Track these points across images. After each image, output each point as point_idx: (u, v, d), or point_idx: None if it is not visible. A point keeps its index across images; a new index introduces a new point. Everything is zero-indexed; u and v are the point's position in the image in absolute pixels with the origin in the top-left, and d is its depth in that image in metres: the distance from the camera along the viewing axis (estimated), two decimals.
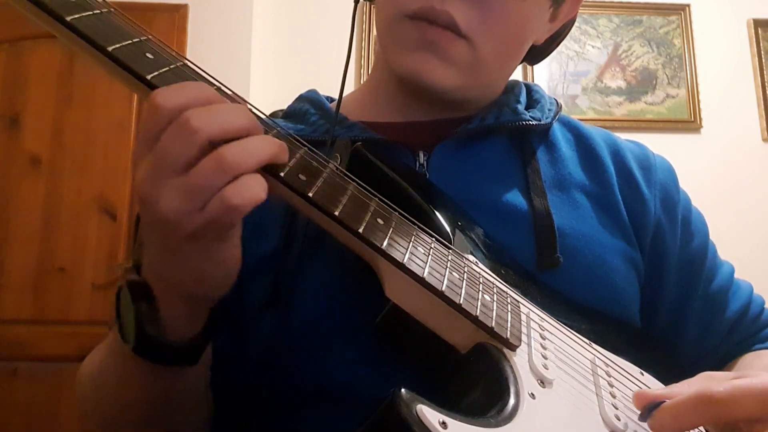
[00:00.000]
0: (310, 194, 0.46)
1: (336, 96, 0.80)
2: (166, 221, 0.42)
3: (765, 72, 2.98)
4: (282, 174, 0.45)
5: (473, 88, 0.70)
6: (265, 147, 0.44)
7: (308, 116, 0.73)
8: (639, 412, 0.53)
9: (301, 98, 0.78)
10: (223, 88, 0.49)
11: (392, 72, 0.70)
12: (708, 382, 0.50)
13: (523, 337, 0.51)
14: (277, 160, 0.45)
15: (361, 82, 2.72)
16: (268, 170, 0.45)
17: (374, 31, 2.72)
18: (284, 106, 0.79)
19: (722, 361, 0.75)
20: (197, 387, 0.58)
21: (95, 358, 0.63)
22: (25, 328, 2.40)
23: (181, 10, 2.63)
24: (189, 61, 0.49)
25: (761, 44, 3.01)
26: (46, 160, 2.51)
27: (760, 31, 3.03)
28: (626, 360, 0.61)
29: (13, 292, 2.41)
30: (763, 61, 2.99)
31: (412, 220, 0.53)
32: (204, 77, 0.49)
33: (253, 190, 0.42)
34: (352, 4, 0.75)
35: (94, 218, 2.48)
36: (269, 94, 2.61)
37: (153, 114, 0.42)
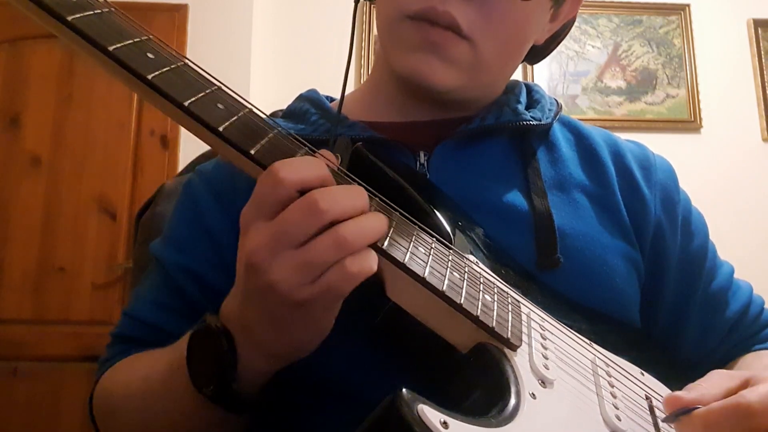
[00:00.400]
0: (383, 245, 0.46)
1: (336, 96, 0.80)
2: (276, 290, 0.44)
3: (765, 72, 2.99)
4: (382, 246, 0.47)
5: (474, 88, 0.70)
6: (377, 226, 0.46)
7: (308, 116, 0.73)
8: (639, 412, 0.53)
9: (301, 98, 0.78)
10: (223, 87, 0.49)
11: (393, 72, 0.70)
12: (727, 383, 0.50)
13: (524, 337, 0.51)
14: (383, 235, 0.47)
15: (361, 82, 2.72)
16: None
17: (374, 31, 2.73)
18: (284, 106, 0.79)
19: (722, 361, 0.75)
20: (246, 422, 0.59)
21: (132, 381, 0.62)
22: (25, 328, 2.40)
23: (181, 10, 2.63)
24: (189, 60, 0.49)
25: (761, 44, 3.02)
26: (46, 160, 2.51)
27: (760, 31, 3.03)
28: (626, 360, 0.61)
29: (13, 292, 2.42)
30: (763, 61, 3.00)
31: (413, 220, 0.53)
32: (204, 76, 0.49)
33: (369, 262, 0.45)
34: (353, 4, 0.75)
35: (94, 218, 2.48)
36: (269, 94, 2.61)
37: (275, 186, 0.44)
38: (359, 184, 0.51)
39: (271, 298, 0.45)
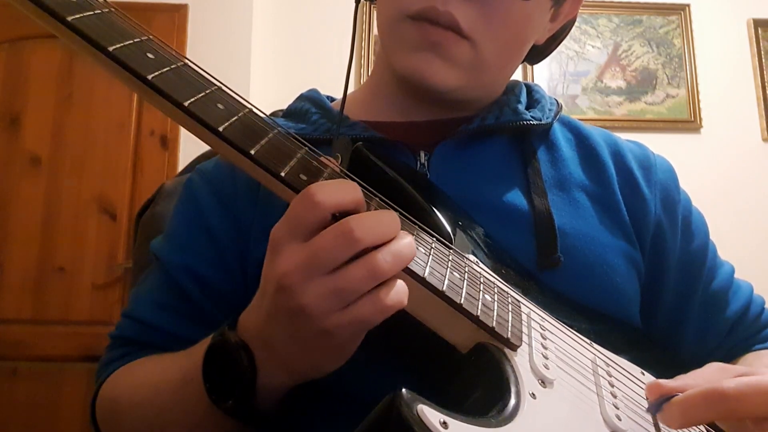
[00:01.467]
0: (417, 272, 0.46)
1: (336, 96, 0.80)
2: (306, 314, 0.44)
3: (765, 72, 2.99)
4: (420, 274, 0.47)
5: (475, 88, 0.70)
6: (409, 252, 0.46)
7: (309, 115, 0.73)
8: (640, 412, 0.53)
9: (301, 97, 0.78)
10: (223, 87, 0.49)
11: (394, 72, 0.70)
12: (719, 374, 0.50)
13: (524, 337, 0.51)
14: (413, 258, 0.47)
15: (362, 82, 2.72)
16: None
17: (374, 31, 2.73)
18: (284, 106, 0.79)
19: (722, 361, 0.74)
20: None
21: (140, 388, 0.62)
22: (25, 328, 2.40)
23: (181, 10, 2.63)
24: (189, 60, 0.49)
25: (761, 44, 3.02)
26: (46, 160, 2.51)
27: (760, 31, 3.03)
28: (627, 360, 0.61)
29: (13, 292, 2.42)
30: (763, 61, 3.00)
31: (413, 219, 0.53)
32: (204, 76, 0.49)
33: (401, 295, 0.45)
34: (353, 5, 0.75)
35: (94, 218, 2.48)
36: (269, 94, 2.61)
37: (311, 209, 0.44)
38: (359, 183, 0.51)
39: (299, 322, 0.45)
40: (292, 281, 0.44)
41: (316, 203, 0.44)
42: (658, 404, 0.48)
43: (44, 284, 2.43)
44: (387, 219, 0.46)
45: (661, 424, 0.54)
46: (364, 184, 0.51)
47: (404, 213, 0.52)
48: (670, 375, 0.62)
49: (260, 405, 0.51)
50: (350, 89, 0.73)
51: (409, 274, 0.47)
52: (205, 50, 2.54)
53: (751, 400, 0.45)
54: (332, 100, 0.79)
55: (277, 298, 0.45)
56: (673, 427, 0.47)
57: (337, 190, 0.45)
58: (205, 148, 1.08)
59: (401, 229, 0.47)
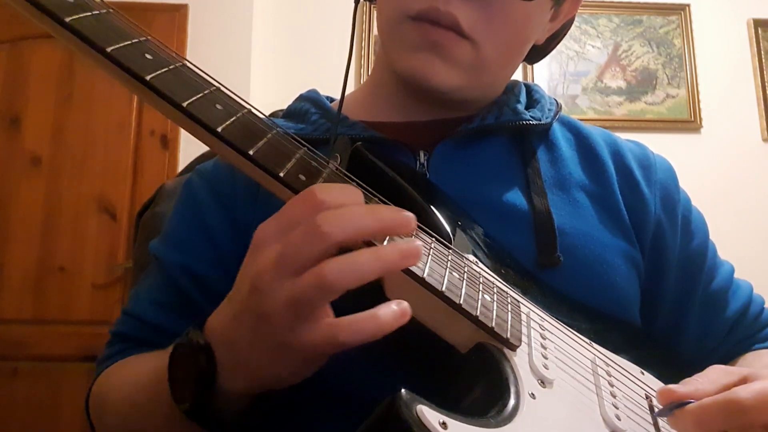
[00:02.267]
0: (419, 274, 0.46)
1: (336, 95, 0.80)
2: (267, 319, 0.42)
3: (765, 72, 2.99)
4: (419, 275, 0.45)
5: (475, 88, 0.70)
6: (372, 266, 0.41)
7: (309, 115, 0.73)
8: (639, 412, 0.53)
9: (301, 98, 0.78)
10: (222, 88, 0.49)
11: (394, 72, 0.70)
12: (724, 378, 0.50)
13: (524, 337, 0.51)
14: (395, 269, 0.43)
15: (361, 82, 2.72)
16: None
17: (374, 32, 2.73)
18: (284, 107, 0.79)
19: (722, 360, 0.74)
20: None
21: (123, 384, 0.61)
22: (25, 328, 2.41)
23: (181, 10, 2.64)
24: (188, 61, 0.49)
25: (761, 44, 3.02)
26: (46, 160, 2.51)
27: (760, 31, 3.03)
28: (626, 359, 0.61)
29: (13, 292, 2.42)
30: (763, 61, 3.00)
31: None
32: (203, 77, 0.49)
33: (363, 324, 0.42)
34: (353, 5, 0.75)
35: (94, 218, 2.49)
36: (269, 94, 2.61)
37: (303, 206, 0.42)
38: (358, 184, 0.51)
39: (264, 329, 0.43)
40: (263, 281, 0.42)
41: (318, 202, 0.42)
42: (669, 409, 0.48)
43: (44, 284, 2.43)
44: (359, 214, 0.43)
45: (661, 425, 0.54)
46: (363, 184, 0.51)
47: None
48: (670, 374, 0.62)
49: (221, 410, 0.49)
50: (350, 89, 0.73)
51: (408, 274, 0.47)
52: (205, 50, 2.54)
53: (766, 408, 0.45)
54: (332, 100, 0.79)
55: (249, 299, 0.43)
56: None
57: (341, 191, 0.44)
58: (205, 148, 1.08)
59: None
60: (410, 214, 0.44)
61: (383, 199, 0.52)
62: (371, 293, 0.50)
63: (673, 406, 0.48)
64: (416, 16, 0.64)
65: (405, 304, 0.43)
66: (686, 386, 0.50)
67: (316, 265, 0.40)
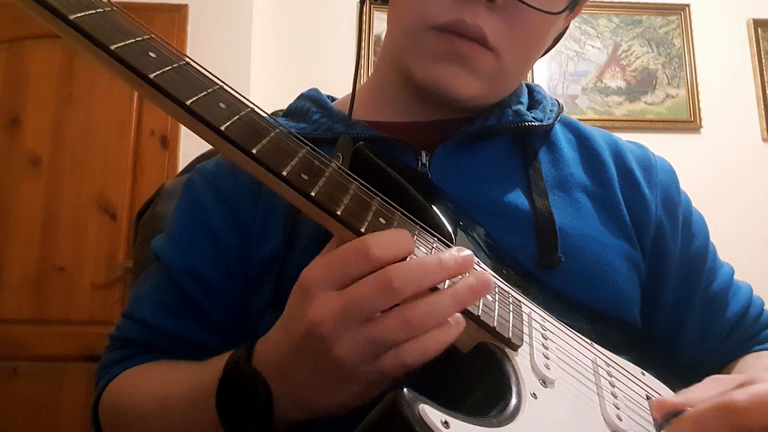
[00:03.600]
0: (312, 193, 0.46)
1: (337, 95, 0.80)
2: (337, 362, 0.44)
3: (765, 72, 2.99)
4: (478, 315, 0.47)
5: (491, 96, 0.71)
6: (449, 308, 0.45)
7: (310, 115, 0.73)
8: (640, 412, 0.53)
9: (302, 97, 0.78)
10: (225, 87, 0.49)
11: (412, 79, 0.69)
12: (720, 387, 0.50)
13: (525, 337, 0.51)
14: (469, 304, 0.47)
15: (361, 82, 2.72)
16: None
17: (375, 31, 2.73)
18: (284, 106, 0.79)
19: (722, 362, 0.74)
20: None
21: (148, 398, 0.61)
22: (25, 328, 2.40)
23: (181, 10, 2.63)
24: (191, 59, 0.49)
25: (761, 44, 3.02)
26: (46, 160, 2.51)
27: (760, 31, 3.03)
28: (627, 360, 0.61)
29: (13, 292, 2.42)
30: (763, 61, 3.00)
31: (414, 219, 0.53)
32: (206, 75, 0.49)
33: (429, 348, 0.45)
34: (353, 5, 0.75)
35: (94, 218, 2.48)
36: (269, 93, 2.61)
37: (362, 260, 0.44)
38: (360, 184, 0.51)
39: (328, 368, 0.45)
40: (326, 330, 0.43)
41: (371, 258, 0.44)
42: (666, 419, 0.48)
43: (44, 284, 2.43)
44: (431, 270, 0.45)
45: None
46: (366, 184, 0.51)
47: (406, 213, 0.53)
48: (670, 376, 0.62)
49: None
50: (349, 89, 0.73)
51: None
52: (205, 50, 2.54)
53: (761, 410, 0.45)
54: (332, 99, 0.79)
55: (306, 342, 0.45)
56: None
57: (392, 245, 0.45)
58: (205, 148, 1.08)
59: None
60: (469, 253, 0.48)
61: (385, 199, 0.52)
62: None
63: (670, 416, 0.48)
64: (441, 27, 0.64)
65: (459, 316, 0.46)
66: (680, 396, 0.50)
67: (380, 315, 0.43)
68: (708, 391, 0.50)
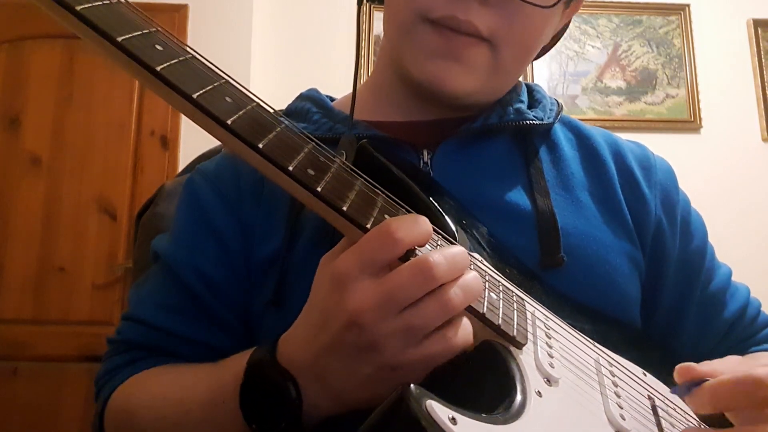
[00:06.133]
0: (318, 189, 0.46)
1: (336, 95, 0.80)
2: (379, 351, 0.44)
3: (765, 72, 2.99)
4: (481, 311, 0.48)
5: (488, 92, 0.70)
6: (477, 286, 0.47)
7: (310, 115, 0.73)
8: (643, 412, 0.53)
9: (301, 97, 0.78)
10: (230, 81, 0.49)
11: (407, 76, 0.69)
12: (744, 364, 0.50)
13: (529, 336, 0.51)
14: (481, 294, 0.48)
15: (361, 82, 2.72)
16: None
17: (374, 31, 2.73)
18: (284, 106, 0.79)
19: None
20: None
21: (162, 403, 0.60)
22: (25, 328, 2.40)
23: (181, 10, 2.64)
24: (197, 52, 0.49)
25: (761, 44, 3.02)
26: (46, 160, 2.51)
27: (760, 31, 3.03)
28: (628, 360, 0.61)
29: (13, 292, 2.42)
30: (763, 61, 3.00)
31: None
32: (212, 69, 0.49)
33: (468, 331, 0.47)
34: (352, 5, 0.75)
35: (94, 218, 2.48)
36: (269, 93, 2.59)
37: (390, 246, 0.44)
38: (365, 180, 0.51)
39: (369, 358, 0.45)
40: (367, 319, 0.43)
41: (397, 240, 0.44)
42: (687, 387, 0.48)
43: (44, 284, 2.43)
44: (460, 256, 0.46)
45: (663, 425, 0.54)
46: (371, 181, 0.51)
47: (410, 210, 0.52)
48: (669, 376, 0.62)
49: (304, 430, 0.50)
50: (349, 89, 0.73)
51: None
52: (206, 50, 2.48)
53: None
54: (332, 99, 0.79)
55: (346, 334, 0.45)
56: (700, 410, 0.48)
57: (414, 226, 0.46)
58: (205, 148, 1.08)
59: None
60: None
61: (390, 195, 0.52)
62: None
63: (692, 385, 0.48)
64: (435, 21, 0.64)
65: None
66: (705, 365, 0.50)
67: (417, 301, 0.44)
68: (734, 366, 0.50)
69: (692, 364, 0.50)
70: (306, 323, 0.50)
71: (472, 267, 0.52)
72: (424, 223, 0.47)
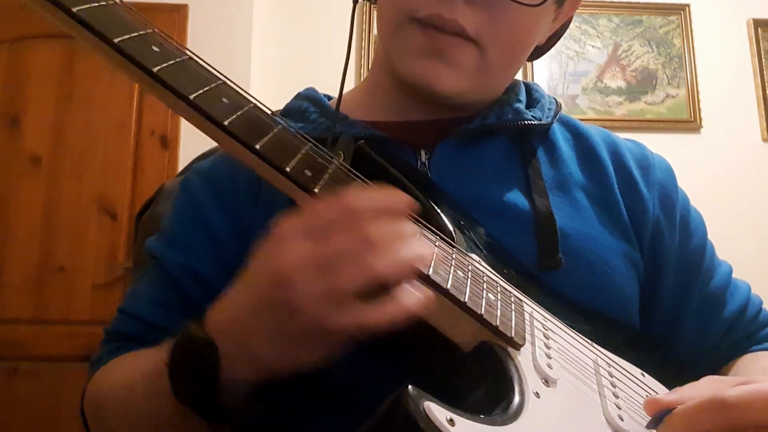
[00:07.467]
0: (316, 190, 0.46)
1: (335, 94, 0.80)
2: (301, 311, 0.43)
3: (765, 72, 2.99)
4: (424, 272, 0.46)
5: (478, 92, 0.70)
6: (416, 257, 0.45)
7: (308, 114, 0.73)
8: (641, 412, 0.53)
9: (299, 96, 0.78)
10: (228, 82, 0.49)
11: (396, 75, 0.69)
12: (717, 386, 0.49)
13: (527, 337, 0.51)
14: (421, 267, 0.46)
15: (357, 81, 2.72)
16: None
17: (374, 31, 2.73)
18: (283, 106, 0.79)
19: (719, 362, 0.74)
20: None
21: (121, 382, 0.61)
22: (25, 328, 2.40)
23: (181, 10, 2.64)
24: (194, 54, 0.49)
25: (761, 44, 3.02)
26: (46, 160, 2.51)
27: (760, 31, 3.03)
28: (626, 361, 0.61)
29: (13, 292, 2.42)
30: (763, 61, 3.00)
31: (416, 218, 0.53)
32: (209, 70, 0.49)
33: (411, 303, 0.44)
34: (352, 5, 0.75)
35: (94, 218, 2.48)
36: (269, 94, 2.60)
37: (344, 215, 0.44)
38: (363, 181, 0.51)
39: (293, 321, 0.44)
40: (296, 278, 0.42)
41: (352, 210, 0.44)
42: (658, 418, 0.48)
43: (44, 284, 2.43)
44: (408, 228, 0.46)
45: None
46: (368, 181, 0.51)
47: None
48: (668, 376, 0.62)
49: (226, 401, 0.49)
50: (349, 88, 0.73)
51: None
52: (205, 50, 2.51)
53: (753, 407, 0.44)
54: (330, 98, 0.79)
55: (271, 290, 0.44)
56: None
57: (374, 201, 0.45)
58: (205, 148, 1.08)
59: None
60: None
61: None
62: (373, 291, 0.50)
63: (662, 415, 0.47)
64: (422, 20, 0.64)
65: (427, 290, 0.46)
66: (673, 394, 0.50)
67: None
68: (702, 389, 0.50)
69: (658, 396, 0.50)
70: (235, 285, 0.49)
71: (469, 268, 0.52)
72: (378, 195, 0.46)
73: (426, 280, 0.47)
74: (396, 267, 0.43)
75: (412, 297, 0.44)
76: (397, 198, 0.46)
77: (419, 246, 0.46)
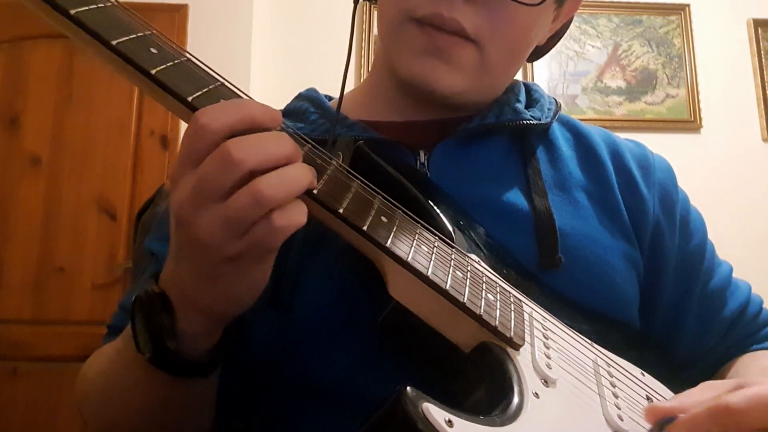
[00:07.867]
0: (315, 191, 0.46)
1: (335, 95, 0.80)
2: (204, 245, 0.43)
3: (765, 72, 2.99)
4: (315, 192, 0.46)
5: (477, 91, 0.70)
6: (302, 177, 0.44)
7: (308, 115, 0.73)
8: (642, 412, 0.53)
9: (300, 97, 0.78)
10: (226, 84, 0.49)
11: (397, 75, 0.69)
12: (714, 392, 0.49)
13: (527, 337, 0.51)
14: (311, 186, 0.45)
15: (357, 82, 2.72)
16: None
17: (374, 31, 2.73)
18: (284, 107, 0.79)
19: (719, 361, 0.74)
20: (207, 395, 0.58)
21: (100, 360, 0.63)
22: (25, 328, 2.40)
23: (181, 10, 2.63)
24: (192, 56, 0.49)
25: (761, 44, 3.02)
26: (46, 160, 2.51)
27: (760, 31, 3.03)
28: (626, 360, 0.61)
29: (13, 292, 2.42)
30: (763, 61, 3.00)
31: (415, 218, 0.53)
32: (207, 72, 0.49)
33: (297, 215, 0.43)
34: (352, 4, 0.75)
35: (94, 218, 2.48)
36: (269, 93, 2.61)
37: (196, 135, 0.42)
38: (362, 182, 0.51)
39: (199, 253, 0.44)
40: (185, 212, 0.43)
41: (201, 127, 0.42)
42: (660, 426, 0.47)
43: (44, 284, 2.43)
44: (273, 139, 0.44)
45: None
46: (367, 183, 0.51)
47: (407, 212, 0.52)
48: (668, 375, 0.62)
49: (185, 353, 0.50)
50: (350, 89, 0.73)
51: (412, 272, 0.47)
52: (205, 50, 2.53)
53: (756, 412, 0.44)
54: (330, 99, 0.79)
55: (179, 233, 0.45)
56: None
57: (223, 111, 0.43)
58: None
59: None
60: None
61: (387, 197, 0.52)
62: (373, 291, 0.50)
63: (664, 422, 0.47)
64: (421, 20, 0.64)
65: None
66: (673, 401, 0.49)
67: (232, 192, 0.41)
68: (702, 395, 0.49)
69: (658, 403, 0.49)
70: None
71: (468, 268, 0.52)
72: (237, 106, 0.44)
73: (425, 280, 0.47)
74: (278, 185, 0.42)
75: (299, 208, 0.44)
76: (259, 109, 0.45)
77: (284, 146, 0.44)
